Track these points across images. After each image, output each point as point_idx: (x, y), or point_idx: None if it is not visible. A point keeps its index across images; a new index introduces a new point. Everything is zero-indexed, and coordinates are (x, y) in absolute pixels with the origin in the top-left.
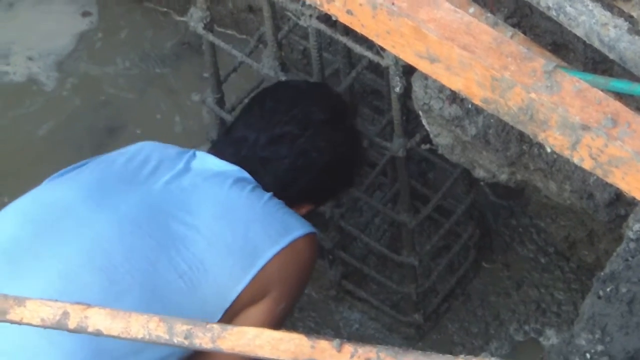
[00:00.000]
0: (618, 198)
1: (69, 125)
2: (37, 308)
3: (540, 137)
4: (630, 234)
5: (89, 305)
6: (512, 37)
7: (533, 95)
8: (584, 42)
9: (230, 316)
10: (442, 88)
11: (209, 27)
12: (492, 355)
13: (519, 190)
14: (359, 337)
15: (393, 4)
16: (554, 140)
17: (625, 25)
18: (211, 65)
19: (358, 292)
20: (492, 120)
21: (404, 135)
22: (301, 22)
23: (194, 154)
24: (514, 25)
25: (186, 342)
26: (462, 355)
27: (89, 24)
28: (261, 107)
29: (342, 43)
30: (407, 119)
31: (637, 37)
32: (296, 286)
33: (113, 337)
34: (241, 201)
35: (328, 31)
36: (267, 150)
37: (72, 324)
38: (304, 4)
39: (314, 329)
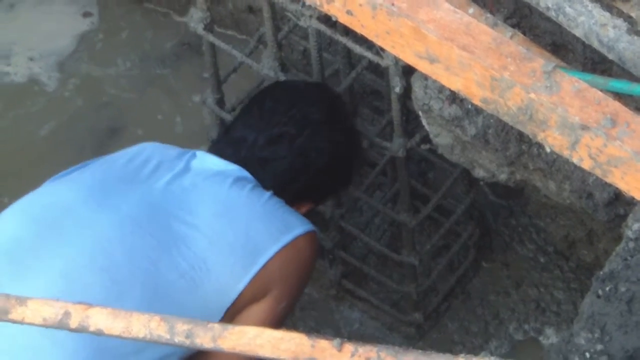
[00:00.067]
0: (617, 198)
1: (70, 126)
2: (39, 308)
3: (540, 137)
4: (630, 234)
5: (90, 305)
6: (511, 37)
7: (532, 95)
8: (583, 43)
9: (231, 315)
10: (441, 88)
11: (209, 28)
12: (492, 354)
13: (519, 190)
14: (360, 336)
15: (393, 4)
16: (554, 140)
17: (624, 25)
18: (211, 66)
19: (358, 291)
20: (491, 121)
21: (403, 136)
22: (301, 23)
23: (194, 154)
24: (513, 26)
25: (187, 342)
26: (462, 355)
27: (89, 24)
28: (260, 107)
29: (342, 43)
30: (407, 119)
31: (636, 38)
32: (297, 284)
33: (114, 336)
34: (241, 200)
35: (328, 32)
36: (266, 151)
37: (73, 324)
38: (303, 5)
39: (314, 328)
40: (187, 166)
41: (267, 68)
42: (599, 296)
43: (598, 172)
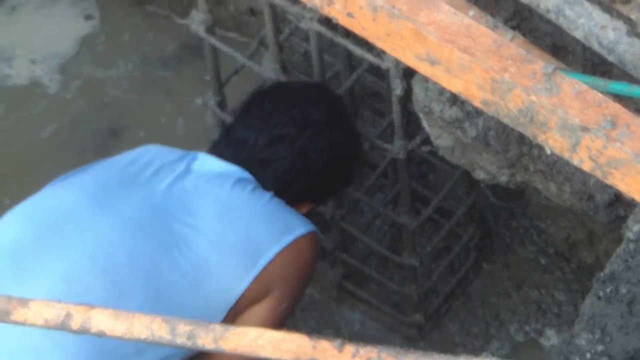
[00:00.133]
0: (617, 199)
1: (72, 128)
2: (40, 309)
3: (540, 138)
4: (630, 235)
5: (92, 306)
6: (511, 39)
7: (533, 97)
8: (583, 45)
9: (233, 315)
10: (442, 90)
11: (210, 30)
12: (493, 356)
13: (519, 192)
14: (360, 338)
15: (393, 7)
16: (554, 142)
17: (624, 27)
18: (212, 68)
19: (359, 292)
20: (492, 123)
21: (404, 137)
22: (302, 25)
23: (195, 156)
24: (513, 28)
25: (189, 343)
26: (462, 356)
27: (91, 27)
28: (260, 108)
29: (342, 46)
30: (408, 121)
31: (635, 40)
32: (298, 285)
33: (116, 337)
34: (242, 201)
35: (329, 34)
36: (267, 152)
37: (75, 325)
38: (304, 7)
39: (315, 330)
40: (188, 168)
41: (268, 70)
42: (599, 297)
43: (598, 174)
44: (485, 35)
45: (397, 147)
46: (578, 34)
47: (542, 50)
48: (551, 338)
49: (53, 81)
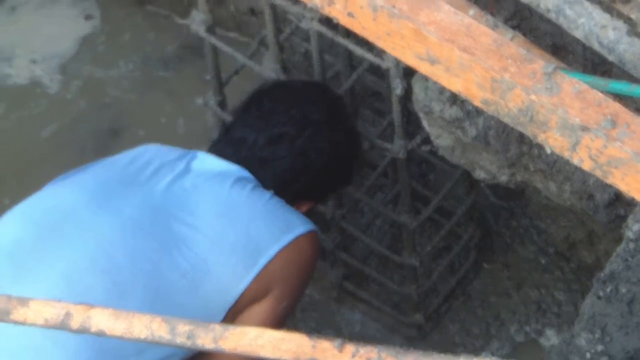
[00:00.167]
0: (617, 199)
1: (72, 128)
2: (40, 308)
3: (540, 138)
4: (630, 235)
5: (92, 306)
6: (512, 39)
7: (533, 96)
8: (584, 44)
9: (233, 314)
10: (442, 90)
11: (210, 30)
12: (493, 356)
13: (519, 192)
14: (361, 338)
15: (394, 6)
16: (554, 142)
17: (624, 27)
18: (213, 68)
19: (359, 292)
20: (492, 122)
21: (404, 137)
22: (302, 25)
23: (195, 155)
24: (513, 28)
25: (188, 343)
26: (463, 355)
27: (91, 27)
28: (259, 107)
29: (343, 45)
30: (408, 121)
31: (636, 39)
32: (298, 284)
33: (116, 337)
34: (242, 200)
35: (329, 34)
36: (267, 151)
37: (75, 325)
38: (305, 7)
39: (315, 330)
40: (187, 167)
41: (268, 70)
42: (599, 297)
43: (598, 173)
44: (486, 34)
45: (397, 147)
46: (578, 34)
47: (542, 50)
48: (551, 338)
49: (53, 81)
